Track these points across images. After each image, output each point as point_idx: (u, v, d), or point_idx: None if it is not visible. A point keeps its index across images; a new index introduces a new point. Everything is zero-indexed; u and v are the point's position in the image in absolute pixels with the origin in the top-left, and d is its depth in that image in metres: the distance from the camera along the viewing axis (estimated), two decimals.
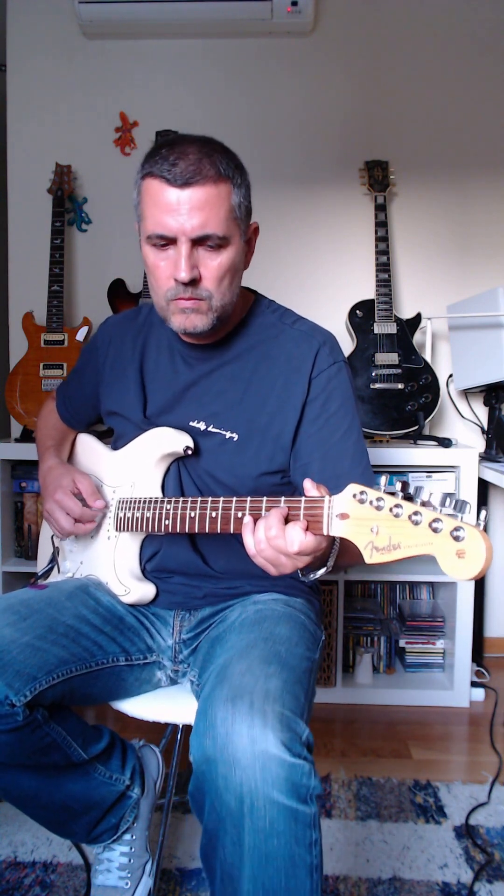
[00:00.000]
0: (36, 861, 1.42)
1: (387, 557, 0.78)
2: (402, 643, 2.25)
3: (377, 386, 2.22)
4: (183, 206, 0.99)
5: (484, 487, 2.22)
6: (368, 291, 2.35)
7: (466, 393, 2.41)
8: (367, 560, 0.80)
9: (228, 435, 1.14)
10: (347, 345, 2.30)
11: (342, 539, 0.87)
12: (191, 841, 1.48)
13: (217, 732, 0.82)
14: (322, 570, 0.98)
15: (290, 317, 1.20)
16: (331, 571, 1.19)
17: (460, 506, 0.76)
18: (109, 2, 2.26)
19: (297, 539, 0.88)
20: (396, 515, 0.78)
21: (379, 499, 0.80)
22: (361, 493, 0.82)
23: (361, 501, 0.82)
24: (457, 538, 0.73)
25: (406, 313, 2.37)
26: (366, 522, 0.81)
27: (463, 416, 2.44)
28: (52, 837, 1.48)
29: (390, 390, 2.22)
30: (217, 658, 1.00)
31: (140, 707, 1.18)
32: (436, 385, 2.24)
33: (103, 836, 1.24)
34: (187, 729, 1.19)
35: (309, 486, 0.91)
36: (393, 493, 0.80)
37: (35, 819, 1.17)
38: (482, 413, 2.40)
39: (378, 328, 2.26)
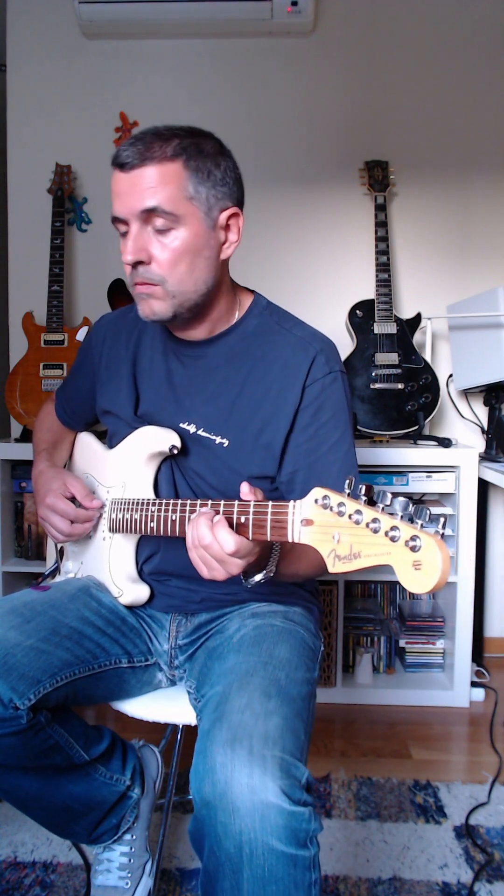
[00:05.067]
0: (36, 861, 1.42)
1: (348, 567, 0.74)
2: (402, 643, 2.26)
3: (377, 386, 2.22)
4: (129, 187, 1.00)
5: (484, 487, 2.23)
6: (368, 291, 2.35)
7: (466, 393, 2.41)
8: (330, 569, 0.76)
9: (218, 440, 1.12)
10: (347, 345, 2.30)
11: (303, 545, 0.82)
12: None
13: (217, 778, 0.81)
14: (259, 576, 0.96)
15: (288, 321, 1.17)
16: (294, 583, 1.16)
17: (422, 512, 0.71)
18: (109, 2, 2.26)
19: (228, 539, 0.86)
20: (357, 522, 0.73)
21: (341, 504, 0.76)
22: (325, 497, 0.78)
23: (324, 507, 0.78)
24: (413, 548, 0.68)
25: (406, 313, 2.37)
26: (329, 529, 0.77)
27: (463, 416, 2.45)
28: (52, 837, 1.48)
29: (390, 390, 2.22)
30: (215, 680, 0.98)
31: (140, 707, 1.18)
32: (436, 385, 2.24)
33: (104, 837, 1.25)
34: (187, 729, 1.19)
35: (245, 490, 0.90)
36: (357, 498, 0.75)
37: (36, 820, 1.17)
38: (482, 413, 2.40)
39: (378, 328, 2.26)
